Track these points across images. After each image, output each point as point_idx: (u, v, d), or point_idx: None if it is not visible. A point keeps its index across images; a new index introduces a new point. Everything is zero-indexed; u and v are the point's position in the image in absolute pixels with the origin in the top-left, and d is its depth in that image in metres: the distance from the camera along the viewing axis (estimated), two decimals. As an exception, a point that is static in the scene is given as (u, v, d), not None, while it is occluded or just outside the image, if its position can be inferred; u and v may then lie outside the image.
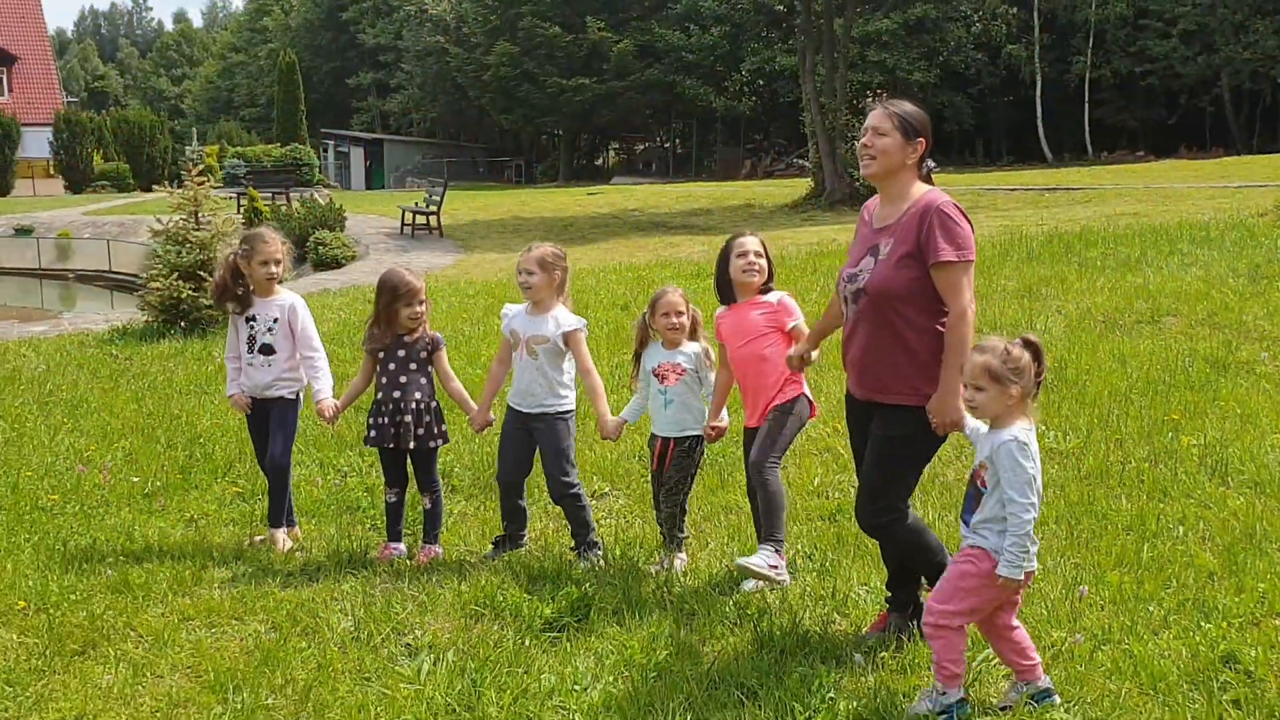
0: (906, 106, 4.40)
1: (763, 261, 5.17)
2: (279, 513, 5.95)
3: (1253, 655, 4.09)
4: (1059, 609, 4.63)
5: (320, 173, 51.49)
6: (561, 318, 5.49)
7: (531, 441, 5.57)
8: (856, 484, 4.61)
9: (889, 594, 4.66)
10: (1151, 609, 4.58)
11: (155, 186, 45.35)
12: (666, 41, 55.47)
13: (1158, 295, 10.21)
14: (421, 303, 5.59)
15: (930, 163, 4.47)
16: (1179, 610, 4.56)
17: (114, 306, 22.74)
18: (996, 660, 4.13)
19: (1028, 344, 3.84)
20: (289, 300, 5.91)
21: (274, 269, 5.86)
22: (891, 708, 3.89)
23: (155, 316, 12.74)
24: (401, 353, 5.60)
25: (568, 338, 5.45)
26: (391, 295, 5.55)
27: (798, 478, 6.53)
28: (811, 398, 5.25)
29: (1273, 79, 46.10)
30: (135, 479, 7.01)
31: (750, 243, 5.20)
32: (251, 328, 5.88)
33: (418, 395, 5.60)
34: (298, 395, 5.96)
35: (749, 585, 5.03)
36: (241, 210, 24.03)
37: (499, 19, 56.58)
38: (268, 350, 5.85)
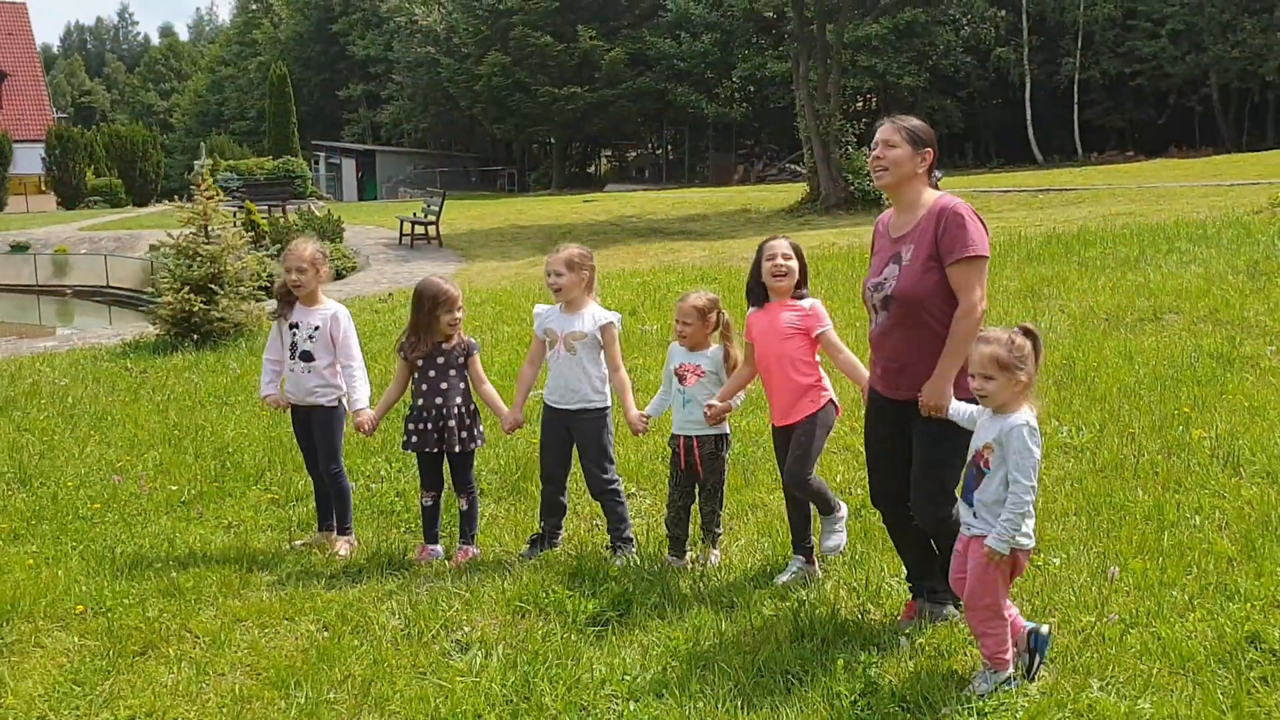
0: (913, 120, 4.71)
1: (792, 264, 5.32)
2: (343, 519, 6.14)
3: (1276, 635, 4.27)
4: (1086, 594, 4.80)
5: (312, 185, 51.58)
6: (597, 313, 5.68)
7: (570, 438, 5.73)
8: (873, 480, 4.86)
9: (912, 583, 4.85)
10: (1175, 594, 4.75)
11: (163, 201, 45.32)
12: (658, 49, 55.67)
13: (1159, 293, 10.40)
14: (459, 309, 5.76)
15: (938, 172, 4.73)
16: (1202, 594, 4.73)
17: (112, 322, 22.87)
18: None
19: (1027, 332, 4.04)
20: (332, 310, 6.07)
21: (297, 276, 6.00)
22: (933, 690, 4.05)
23: (167, 330, 12.87)
24: (441, 360, 5.76)
25: (604, 331, 5.63)
26: (432, 303, 5.71)
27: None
28: (836, 400, 5.41)
29: (1261, 77, 46.42)
30: (173, 487, 7.16)
31: (780, 246, 5.36)
32: (294, 334, 6.04)
33: (458, 400, 5.76)
34: (339, 402, 6.11)
35: (784, 578, 5.21)
36: (238, 224, 24.18)
37: (490, 29, 56.73)
38: (307, 357, 6.01)
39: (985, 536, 4.03)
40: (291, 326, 6.05)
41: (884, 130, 4.70)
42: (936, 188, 4.72)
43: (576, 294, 5.69)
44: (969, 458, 4.21)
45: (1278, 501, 5.65)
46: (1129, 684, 4.04)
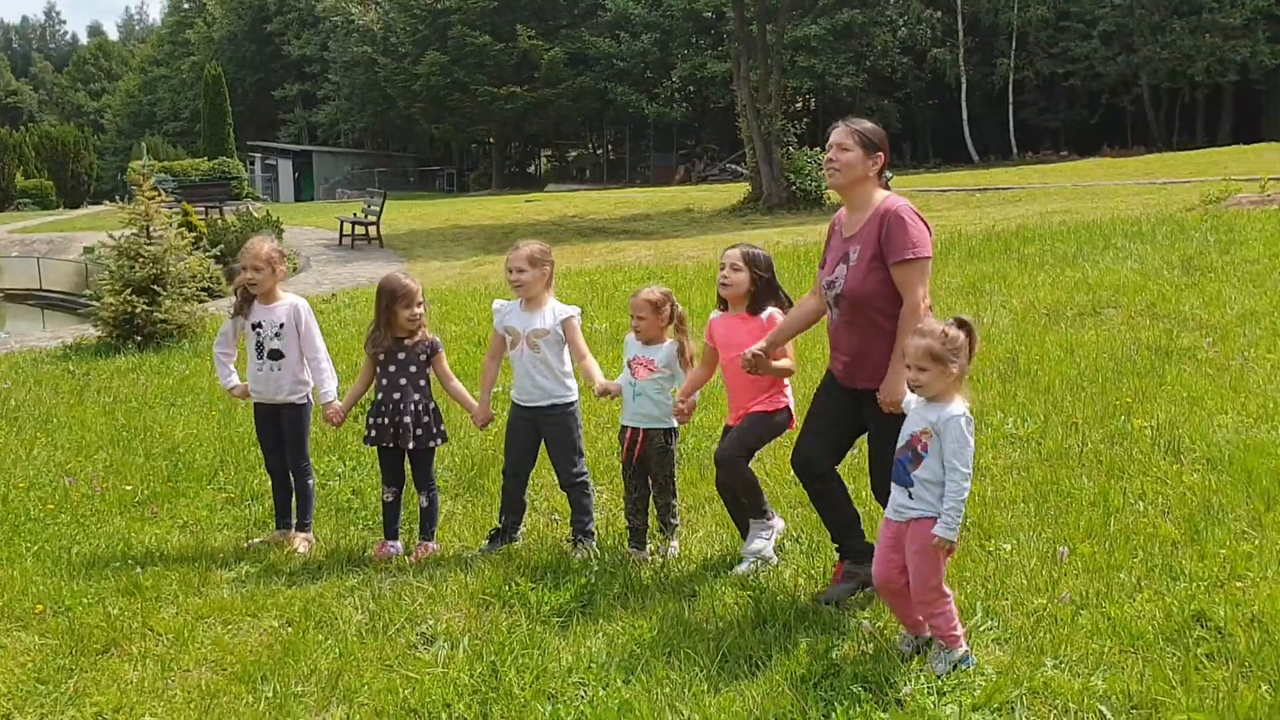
0: (866, 124, 4.88)
1: (739, 275, 5.32)
2: (304, 515, 6.14)
3: (1221, 613, 4.42)
4: (1037, 578, 4.93)
5: (249, 186, 51.05)
6: (557, 308, 5.73)
7: (537, 435, 5.78)
8: (804, 441, 5.05)
9: (839, 545, 5.08)
10: (1123, 575, 4.90)
11: (102, 202, 44.65)
12: (597, 49, 55.79)
13: (1097, 288, 10.65)
14: (419, 304, 5.78)
15: (888, 173, 4.90)
16: (1149, 576, 4.88)
17: (47, 325, 22.49)
18: (986, 626, 4.44)
19: (961, 324, 4.18)
20: (290, 302, 6.06)
21: (253, 274, 5.97)
22: (894, 670, 4.16)
23: (108, 332, 12.72)
24: (401, 355, 5.78)
25: (565, 325, 5.68)
26: (390, 298, 5.73)
27: (775, 470, 6.78)
28: (794, 412, 5.49)
29: (1190, 78, 47.45)
30: (127, 488, 7.10)
31: (730, 255, 5.40)
32: (259, 334, 6.01)
33: (416, 397, 5.78)
34: (308, 399, 6.12)
35: (743, 568, 5.29)
36: (176, 225, 23.87)
37: (428, 28, 56.53)
38: (276, 355, 5.99)
39: (925, 519, 4.15)
40: (254, 327, 6.03)
41: (837, 133, 4.85)
42: (887, 188, 4.86)
43: (538, 290, 5.74)
44: (901, 442, 4.32)
45: (1218, 486, 5.83)
46: (1081, 662, 4.17)
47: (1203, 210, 14.89)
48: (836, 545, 5.10)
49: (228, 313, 6.30)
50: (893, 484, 4.36)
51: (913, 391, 4.32)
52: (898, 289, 4.63)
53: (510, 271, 5.75)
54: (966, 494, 4.14)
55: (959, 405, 4.16)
